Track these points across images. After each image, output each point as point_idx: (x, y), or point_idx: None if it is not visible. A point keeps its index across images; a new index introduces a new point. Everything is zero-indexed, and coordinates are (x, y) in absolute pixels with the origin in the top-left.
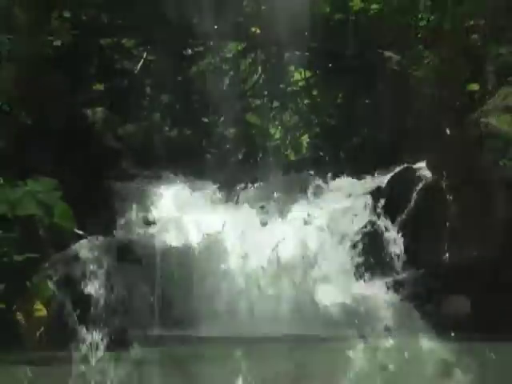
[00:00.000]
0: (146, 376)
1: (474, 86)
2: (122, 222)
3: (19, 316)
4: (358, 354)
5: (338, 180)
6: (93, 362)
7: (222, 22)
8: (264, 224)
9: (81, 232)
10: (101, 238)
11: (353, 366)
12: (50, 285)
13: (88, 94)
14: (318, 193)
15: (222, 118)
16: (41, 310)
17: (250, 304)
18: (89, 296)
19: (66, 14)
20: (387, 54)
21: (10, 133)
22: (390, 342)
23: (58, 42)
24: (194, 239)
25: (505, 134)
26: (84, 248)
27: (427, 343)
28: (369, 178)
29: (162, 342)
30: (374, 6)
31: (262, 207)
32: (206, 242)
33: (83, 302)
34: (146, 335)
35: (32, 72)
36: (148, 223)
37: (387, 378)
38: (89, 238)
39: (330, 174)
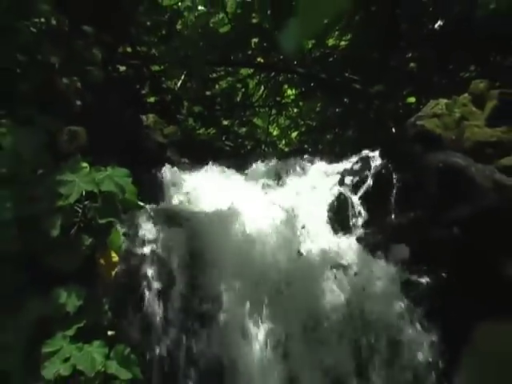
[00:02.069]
0: None
1: (412, 99)
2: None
3: (100, 261)
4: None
5: (317, 164)
6: None
7: (237, 55)
8: (266, 193)
9: (141, 203)
10: (154, 207)
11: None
12: (121, 238)
13: (144, 105)
14: (303, 173)
15: (237, 121)
16: (114, 257)
17: (251, 246)
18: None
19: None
20: (351, 76)
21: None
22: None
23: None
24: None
25: (432, 132)
26: (143, 214)
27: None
28: (339, 163)
29: None
30: (343, 43)
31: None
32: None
33: (141, 248)
34: None
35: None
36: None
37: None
38: (146, 207)
39: (312, 160)
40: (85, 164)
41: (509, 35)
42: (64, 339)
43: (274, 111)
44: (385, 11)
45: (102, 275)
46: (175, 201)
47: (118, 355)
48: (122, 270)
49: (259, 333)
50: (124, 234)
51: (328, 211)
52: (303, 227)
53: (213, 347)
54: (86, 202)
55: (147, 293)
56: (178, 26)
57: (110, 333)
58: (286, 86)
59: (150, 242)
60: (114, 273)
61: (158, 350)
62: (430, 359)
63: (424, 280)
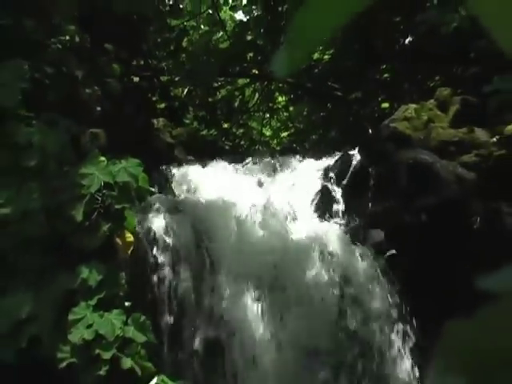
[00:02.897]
0: None
1: (386, 105)
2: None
3: (118, 241)
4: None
5: (305, 161)
6: None
7: (235, 67)
8: (260, 185)
9: (153, 189)
10: (162, 195)
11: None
12: (135, 221)
13: (155, 110)
14: (293, 168)
15: (235, 124)
16: (130, 237)
17: (250, 230)
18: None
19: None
20: (333, 85)
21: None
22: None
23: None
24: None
25: (403, 133)
26: (154, 200)
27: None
28: (324, 160)
29: None
30: (326, 57)
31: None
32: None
33: (152, 231)
34: None
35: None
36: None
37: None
38: (156, 195)
39: (300, 158)
40: (103, 158)
41: (468, 50)
42: (87, 308)
43: (266, 115)
44: (363, 29)
45: (119, 253)
46: (181, 192)
47: (135, 322)
48: (136, 248)
49: (254, 296)
50: (137, 220)
51: (314, 201)
52: (293, 215)
53: (217, 307)
54: (104, 191)
55: (158, 268)
56: (184, 43)
57: (126, 303)
58: (277, 94)
59: (159, 225)
60: (129, 251)
61: (167, 318)
62: (399, 327)
63: (396, 261)
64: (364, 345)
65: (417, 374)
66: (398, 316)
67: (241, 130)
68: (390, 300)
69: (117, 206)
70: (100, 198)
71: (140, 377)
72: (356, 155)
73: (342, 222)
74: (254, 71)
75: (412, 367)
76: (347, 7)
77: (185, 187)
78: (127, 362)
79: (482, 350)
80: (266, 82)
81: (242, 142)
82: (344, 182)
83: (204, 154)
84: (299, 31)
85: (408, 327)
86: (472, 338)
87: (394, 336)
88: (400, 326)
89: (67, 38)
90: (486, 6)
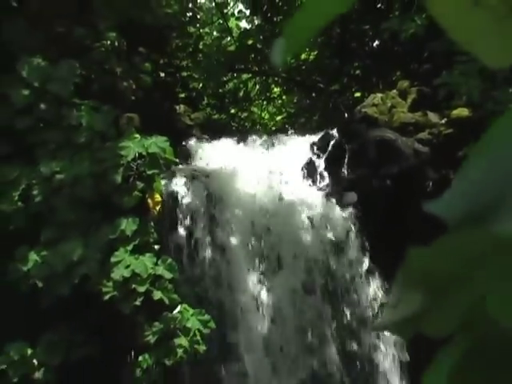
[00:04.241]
0: None
1: (358, 94)
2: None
3: (148, 200)
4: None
5: (295, 138)
6: None
7: (240, 65)
8: (260, 156)
9: (177, 160)
10: (184, 166)
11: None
12: (162, 185)
13: (177, 99)
14: (286, 144)
15: (240, 110)
16: (158, 197)
17: (251, 192)
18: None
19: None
20: (317, 79)
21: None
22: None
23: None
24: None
25: (371, 116)
26: (177, 169)
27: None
28: (309, 138)
29: None
30: (311, 56)
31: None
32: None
33: (175, 193)
34: None
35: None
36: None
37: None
38: (179, 165)
39: (291, 136)
40: (137, 135)
41: (423, 50)
42: (125, 252)
43: (265, 102)
44: (340, 35)
45: (150, 210)
46: (198, 163)
47: (163, 262)
48: (163, 206)
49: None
50: (164, 184)
51: (302, 170)
52: (285, 181)
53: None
54: (138, 161)
55: (180, 222)
56: (200, 46)
57: (156, 247)
58: (273, 86)
59: (180, 189)
60: (157, 208)
61: (185, 258)
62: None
63: (366, 218)
64: (343, 277)
65: (380, 293)
66: (364, 253)
67: (245, 114)
68: (362, 245)
69: (148, 173)
70: (135, 166)
71: (167, 306)
72: (335, 134)
73: (324, 186)
74: (254, 68)
75: (377, 289)
76: (330, 11)
77: (200, 159)
78: (157, 295)
79: (435, 270)
80: (264, 77)
81: (246, 124)
82: (325, 155)
83: (216, 133)
84: (293, 29)
85: (374, 263)
86: (428, 261)
87: (363, 269)
88: (368, 262)
89: (109, 42)
90: (443, 10)
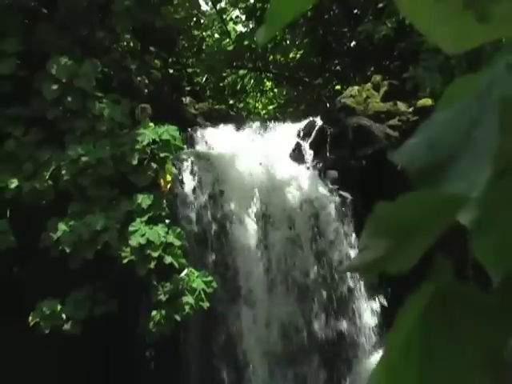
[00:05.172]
0: None
1: (338, 87)
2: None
3: (161, 179)
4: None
5: (284, 125)
6: None
7: (237, 63)
8: (255, 141)
9: (184, 145)
10: (190, 150)
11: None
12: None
13: (184, 91)
14: (277, 130)
15: (237, 101)
16: (169, 177)
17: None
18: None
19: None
20: (303, 74)
21: None
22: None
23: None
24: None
25: (350, 106)
26: (185, 153)
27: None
28: (297, 124)
29: None
30: (298, 55)
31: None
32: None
33: (183, 173)
34: None
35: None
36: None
37: None
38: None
39: (281, 123)
40: (151, 124)
41: (393, 50)
42: (141, 223)
43: (258, 94)
44: (322, 36)
45: (162, 188)
46: (202, 147)
47: (173, 232)
48: (173, 184)
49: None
50: (174, 164)
51: (291, 152)
52: (276, 161)
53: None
54: (152, 146)
55: (188, 197)
56: (203, 46)
57: (167, 221)
58: (265, 80)
59: (188, 170)
60: (169, 186)
61: (194, 227)
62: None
63: (345, 191)
64: (329, 231)
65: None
66: (344, 217)
67: (241, 105)
68: (342, 212)
69: (161, 156)
70: (149, 150)
71: (176, 269)
72: (318, 121)
73: (310, 165)
74: (250, 65)
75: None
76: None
77: (204, 143)
78: (168, 259)
79: (398, 220)
80: (258, 73)
81: (243, 113)
82: (310, 139)
83: (217, 120)
84: (272, 14)
85: (352, 221)
86: (392, 213)
87: (345, 228)
88: (349, 220)
89: (125, 43)
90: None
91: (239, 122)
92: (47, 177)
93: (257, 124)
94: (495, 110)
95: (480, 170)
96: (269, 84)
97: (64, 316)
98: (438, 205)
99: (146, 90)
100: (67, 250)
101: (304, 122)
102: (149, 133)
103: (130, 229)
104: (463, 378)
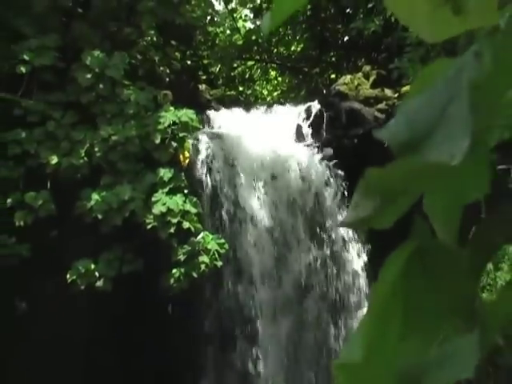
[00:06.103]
0: None
1: (333, 76)
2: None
3: (180, 156)
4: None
5: (287, 109)
6: None
7: (246, 55)
8: (261, 123)
9: (200, 126)
10: (206, 129)
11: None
12: (190, 145)
13: (200, 80)
14: (280, 113)
15: (246, 88)
16: (187, 154)
17: (255, 149)
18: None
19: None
20: (303, 65)
21: None
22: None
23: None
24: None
25: (343, 92)
26: (201, 133)
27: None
28: (298, 108)
29: None
30: (299, 48)
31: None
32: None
33: (199, 151)
34: None
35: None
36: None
37: None
38: (202, 130)
39: (284, 107)
40: (171, 108)
41: (380, 44)
42: (162, 194)
43: (264, 82)
44: (319, 32)
45: (181, 163)
46: (216, 127)
47: (190, 201)
48: (191, 160)
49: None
50: (191, 143)
51: (292, 132)
52: (280, 140)
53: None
54: (172, 127)
55: (203, 171)
56: (217, 41)
57: (185, 191)
58: (270, 70)
59: (203, 147)
60: (187, 161)
61: (207, 199)
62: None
63: (340, 166)
64: (326, 203)
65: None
66: (339, 188)
67: (249, 91)
68: (337, 184)
69: (180, 135)
70: (170, 131)
71: (193, 233)
72: (316, 105)
73: (309, 144)
74: (257, 57)
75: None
76: None
77: (218, 124)
78: (186, 224)
79: (388, 180)
80: (264, 63)
81: (251, 98)
82: (309, 121)
83: (229, 105)
84: (276, 6)
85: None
86: (380, 177)
87: (337, 199)
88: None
89: (149, 38)
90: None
91: (248, 106)
92: (82, 154)
93: (263, 107)
94: (465, 91)
95: (457, 142)
96: (273, 73)
97: (97, 274)
98: (419, 171)
99: (168, 79)
100: (99, 217)
101: (304, 106)
102: (169, 115)
103: (153, 199)
104: (441, 322)
